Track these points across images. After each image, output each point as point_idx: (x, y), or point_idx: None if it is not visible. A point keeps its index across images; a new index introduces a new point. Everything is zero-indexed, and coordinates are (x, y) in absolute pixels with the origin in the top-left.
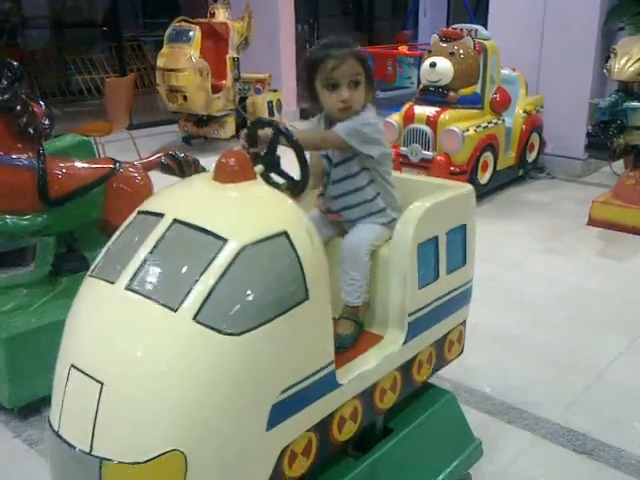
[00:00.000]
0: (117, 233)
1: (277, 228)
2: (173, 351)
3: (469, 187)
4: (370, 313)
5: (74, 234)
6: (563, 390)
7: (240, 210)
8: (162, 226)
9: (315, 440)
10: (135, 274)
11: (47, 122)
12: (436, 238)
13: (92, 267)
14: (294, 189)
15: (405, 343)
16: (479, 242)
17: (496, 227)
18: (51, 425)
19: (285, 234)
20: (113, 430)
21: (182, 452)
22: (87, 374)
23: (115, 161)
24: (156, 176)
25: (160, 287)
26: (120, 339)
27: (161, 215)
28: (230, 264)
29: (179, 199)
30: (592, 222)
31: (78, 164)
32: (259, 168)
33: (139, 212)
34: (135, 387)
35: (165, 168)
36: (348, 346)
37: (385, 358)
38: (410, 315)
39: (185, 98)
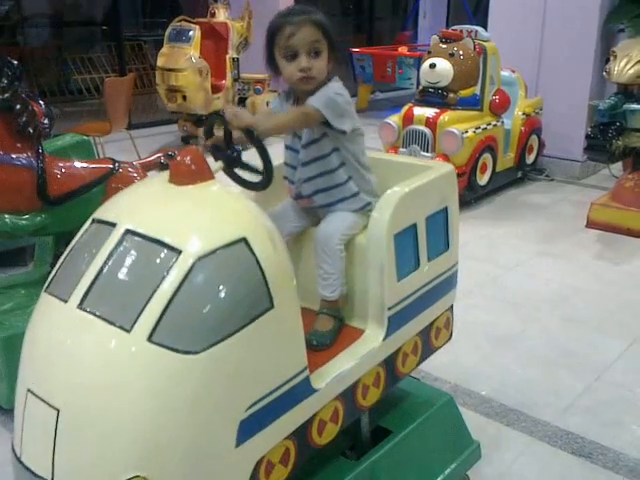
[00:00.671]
0: (72, 243)
1: (235, 234)
2: (129, 374)
3: (449, 166)
4: (350, 305)
5: (74, 234)
6: (561, 392)
7: (195, 216)
8: (114, 237)
9: (293, 447)
10: (87, 292)
11: (46, 121)
12: (415, 225)
13: (47, 282)
14: (255, 186)
15: (386, 338)
16: (478, 243)
17: (495, 229)
18: (14, 451)
19: (244, 240)
20: (73, 457)
21: (145, 478)
22: (43, 399)
23: (114, 161)
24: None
25: (113, 306)
26: (74, 363)
27: (113, 225)
28: (185, 278)
29: (133, 206)
30: (591, 224)
31: (77, 164)
32: (218, 165)
33: (93, 220)
34: (92, 413)
35: (164, 168)
36: (327, 344)
37: (365, 356)
38: (390, 309)
39: (185, 98)
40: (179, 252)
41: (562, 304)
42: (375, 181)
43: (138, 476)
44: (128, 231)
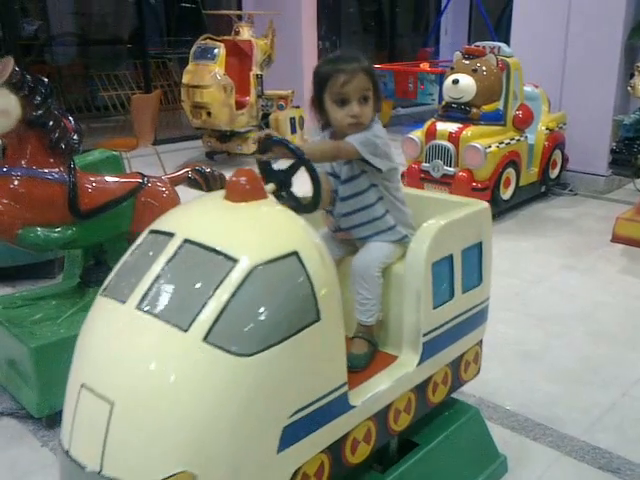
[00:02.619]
0: (128, 252)
1: (288, 248)
2: (183, 372)
3: (485, 204)
4: (384, 332)
5: (103, 247)
6: (588, 407)
7: (251, 230)
8: (172, 246)
9: (328, 462)
10: (146, 294)
11: (76, 137)
12: (451, 256)
13: (103, 286)
14: (305, 208)
15: (420, 364)
16: (502, 257)
17: (519, 243)
18: (62, 444)
19: (296, 254)
20: (123, 450)
21: (192, 473)
22: (97, 394)
23: (143, 175)
24: (183, 191)
25: (170, 307)
26: (130, 359)
27: (171, 235)
28: (240, 284)
29: (190, 218)
30: (616, 239)
31: (107, 178)
32: (270, 187)
33: (150, 231)
34: (145, 407)
35: (192, 183)
36: (362, 366)
37: (399, 379)
38: (425, 335)
39: (209, 114)
40: (236, 261)
41: (588, 319)
42: (411, 214)
43: (185, 472)
44: (186, 240)
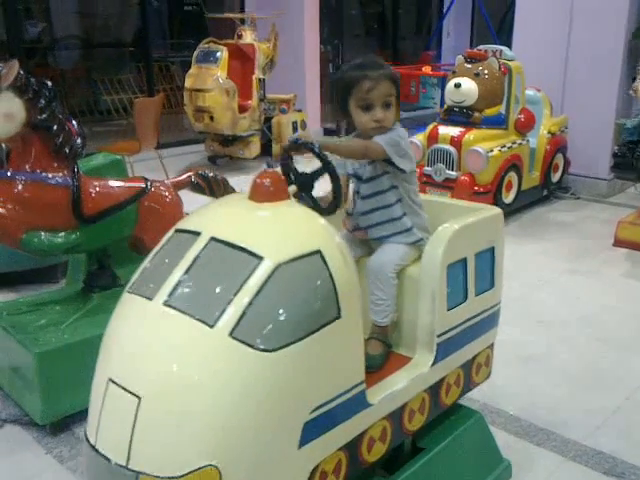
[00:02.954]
0: (154, 251)
1: (311, 247)
2: (210, 366)
3: (498, 210)
4: (398, 333)
5: (107, 251)
6: (592, 411)
7: (275, 229)
8: (199, 244)
9: (345, 460)
10: (173, 290)
11: (79, 141)
12: (465, 259)
13: (130, 284)
14: (325, 210)
15: (434, 364)
16: (505, 261)
17: (521, 247)
18: (88, 439)
19: (319, 253)
20: (150, 444)
21: (217, 467)
22: (125, 388)
23: (147, 180)
24: (186, 195)
25: (197, 303)
26: (158, 354)
27: (198, 233)
28: (265, 282)
29: (216, 218)
30: (618, 243)
31: (111, 183)
32: (292, 189)
33: (176, 230)
34: (173, 401)
35: (195, 187)
36: (377, 366)
37: (414, 379)
38: (439, 336)
39: (212, 118)
40: (261, 258)
41: (591, 322)
42: (427, 218)
43: (210, 465)
44: (213, 239)
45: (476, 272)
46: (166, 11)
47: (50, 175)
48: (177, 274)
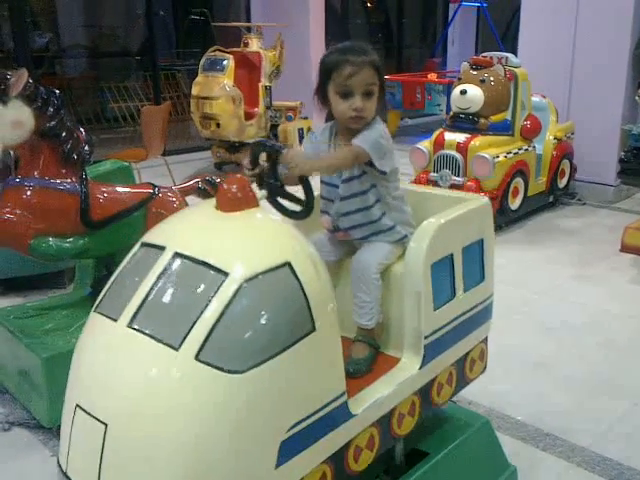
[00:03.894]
0: (120, 266)
1: (280, 259)
2: (176, 391)
3: (485, 199)
4: (386, 334)
5: (114, 257)
6: (598, 417)
7: (241, 241)
8: (163, 260)
9: (330, 472)
10: (137, 311)
11: (87, 148)
12: (451, 256)
13: (97, 302)
14: (298, 215)
15: (422, 367)
16: (510, 267)
17: (527, 253)
18: (60, 465)
19: (288, 265)
20: (119, 472)
21: None
22: (91, 414)
23: (154, 186)
24: (193, 201)
25: (162, 325)
26: (123, 379)
27: (162, 248)
28: (231, 300)
29: (181, 231)
30: (625, 249)
31: (119, 189)
32: (262, 194)
33: (142, 244)
34: (140, 429)
35: (202, 193)
36: (362, 371)
37: (402, 383)
38: (426, 337)
39: (218, 125)
40: (226, 274)
41: (598, 329)
42: (410, 212)
43: None
44: (177, 254)
45: (464, 267)
46: (172, 20)
47: (59, 181)
48: (141, 293)
